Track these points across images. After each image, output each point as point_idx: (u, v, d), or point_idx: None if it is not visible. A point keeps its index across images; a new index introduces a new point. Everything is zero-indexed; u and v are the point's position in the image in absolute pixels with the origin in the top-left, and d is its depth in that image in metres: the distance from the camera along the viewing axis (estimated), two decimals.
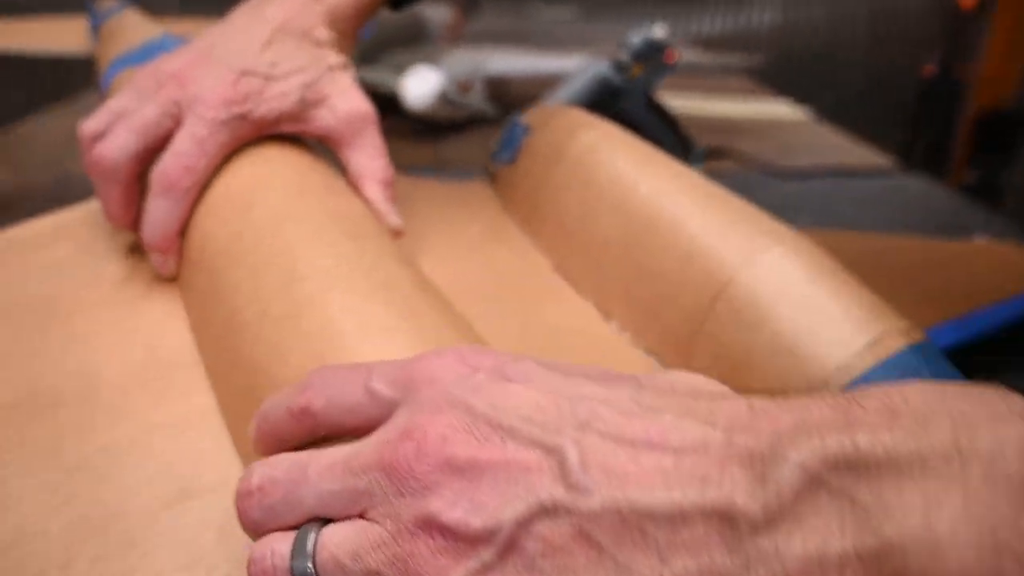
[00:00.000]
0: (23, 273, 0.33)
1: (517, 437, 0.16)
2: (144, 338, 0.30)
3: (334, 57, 0.36)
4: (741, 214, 0.34)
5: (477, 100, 0.88)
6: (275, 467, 0.18)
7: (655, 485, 0.15)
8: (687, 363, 0.32)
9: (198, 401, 0.27)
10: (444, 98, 0.85)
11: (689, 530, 0.15)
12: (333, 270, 0.27)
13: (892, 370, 0.27)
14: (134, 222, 0.33)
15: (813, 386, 0.28)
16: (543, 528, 0.15)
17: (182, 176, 0.31)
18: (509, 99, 1.00)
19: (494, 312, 0.34)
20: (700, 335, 0.32)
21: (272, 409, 0.20)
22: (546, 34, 1.55)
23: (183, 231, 0.32)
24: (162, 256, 0.32)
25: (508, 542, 0.15)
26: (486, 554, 0.15)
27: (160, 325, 0.31)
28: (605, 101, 0.70)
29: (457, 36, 1.26)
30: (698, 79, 1.09)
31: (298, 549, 0.17)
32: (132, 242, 0.35)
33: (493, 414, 0.17)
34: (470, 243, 0.40)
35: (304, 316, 0.25)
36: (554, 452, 0.16)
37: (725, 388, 0.18)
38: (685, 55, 1.27)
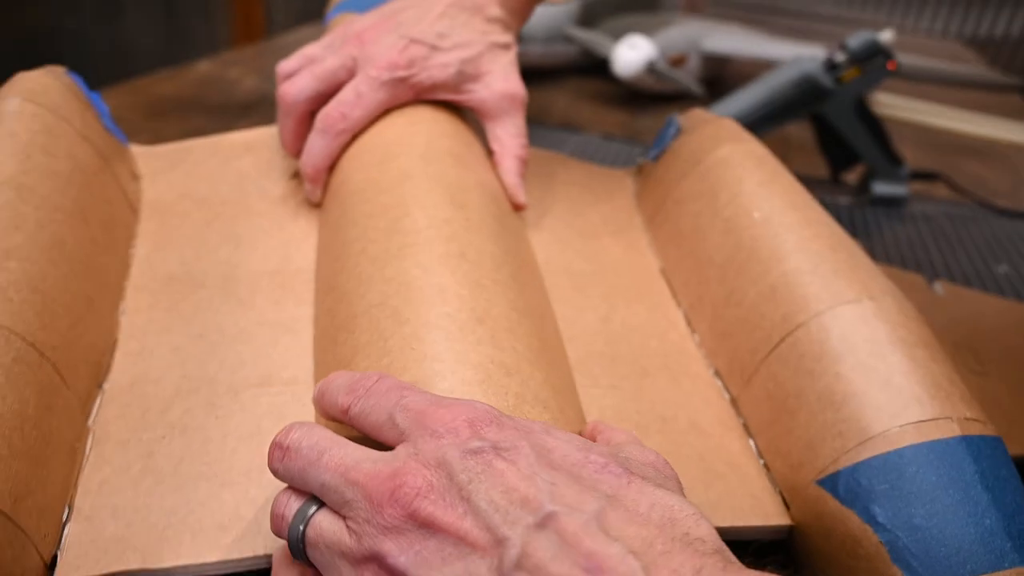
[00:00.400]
0: (214, 175, 0.41)
1: (478, 515, 0.18)
2: (282, 249, 0.36)
3: (500, 35, 0.40)
4: (843, 259, 0.33)
5: (686, 76, 0.88)
6: (307, 436, 0.22)
7: None
8: (744, 393, 0.33)
9: (304, 311, 0.33)
10: (651, 69, 0.86)
11: None
12: (424, 231, 0.31)
13: (932, 454, 0.27)
14: (299, 152, 0.39)
15: (847, 448, 0.28)
16: None
17: (337, 121, 0.37)
18: (724, 79, 0.99)
19: (581, 299, 0.37)
20: (761, 370, 0.33)
21: (329, 389, 0.25)
22: (799, 14, 1.47)
23: (331, 167, 0.38)
24: (312, 185, 0.38)
25: None
26: None
27: (297, 242, 0.37)
28: (806, 101, 0.68)
29: (696, 6, 1.24)
30: (954, 90, 1.00)
31: (299, 516, 0.21)
32: (296, 169, 0.41)
33: (467, 487, 0.19)
34: (587, 228, 0.42)
35: (388, 264, 0.30)
36: (500, 543, 0.18)
37: (704, 527, 0.19)
38: (958, 59, 1.16)
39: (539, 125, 0.83)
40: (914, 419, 0.28)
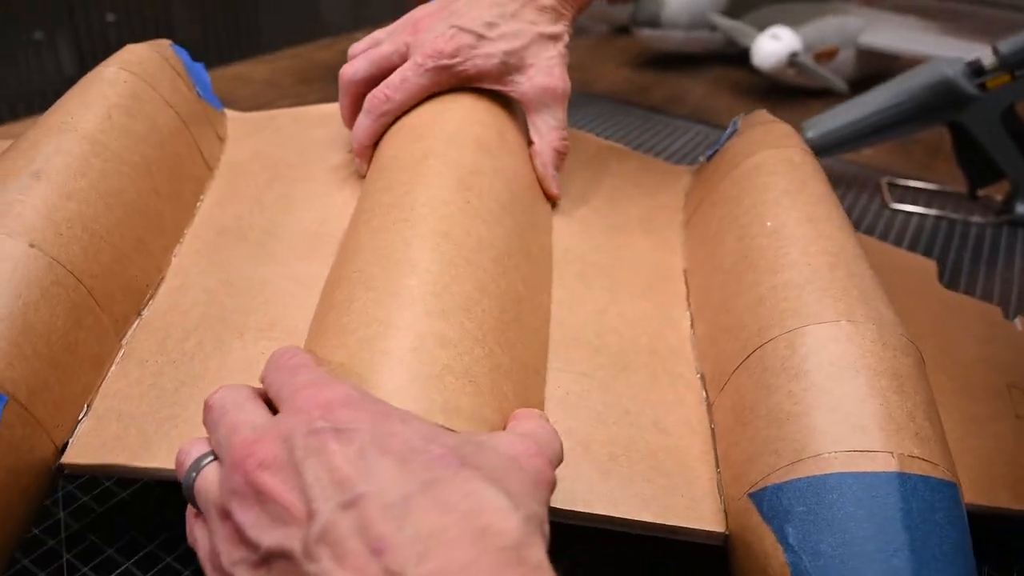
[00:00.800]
0: (288, 141, 0.46)
1: (303, 490, 0.21)
2: (324, 214, 0.41)
3: (550, 26, 0.42)
4: (839, 277, 0.33)
5: (830, 71, 0.84)
6: (228, 396, 0.25)
7: None
8: (718, 399, 0.34)
9: (325, 270, 0.38)
10: (793, 62, 0.84)
11: None
12: (419, 208, 0.34)
13: (858, 484, 0.27)
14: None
15: (779, 466, 0.28)
16: (280, 565, 0.21)
17: (381, 102, 0.41)
18: (891, 76, 0.93)
19: (585, 289, 0.39)
20: (732, 379, 0.33)
21: (271, 358, 0.28)
22: (1014, 5, 1.33)
23: (375, 145, 0.42)
24: (359, 159, 0.42)
25: (262, 559, 0.21)
26: (250, 557, 0.21)
27: (339, 208, 0.41)
28: (942, 107, 0.63)
29: None
30: None
31: (194, 465, 0.25)
32: None
33: (302, 463, 0.21)
34: (620, 222, 0.44)
35: (379, 236, 0.34)
36: (312, 516, 0.20)
37: (512, 521, 0.20)
38: None
39: (663, 114, 0.84)
40: (849, 447, 0.28)
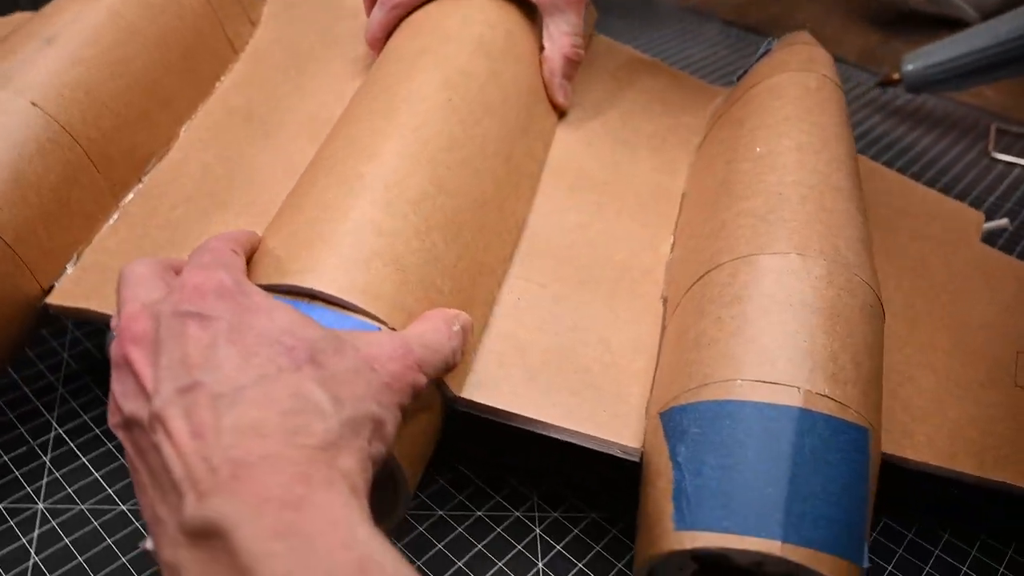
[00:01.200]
0: (315, 29, 0.49)
1: (156, 368, 0.23)
2: (330, 102, 0.43)
3: None
4: (807, 211, 0.33)
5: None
6: (131, 271, 0.27)
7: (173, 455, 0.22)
8: (669, 323, 0.35)
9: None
10: None
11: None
12: (397, 103, 0.36)
13: (753, 413, 0.27)
14: None
15: (687, 388, 0.29)
16: (136, 430, 0.23)
17: None
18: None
19: (569, 200, 0.40)
20: (681, 304, 0.34)
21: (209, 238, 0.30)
22: None
23: (387, 37, 0.44)
24: (371, 51, 0.44)
25: (125, 423, 0.24)
26: (119, 420, 0.24)
27: (345, 98, 0.43)
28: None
29: None
30: None
31: (110, 332, 0.27)
32: None
33: (162, 343, 0.24)
34: (629, 137, 0.44)
35: (354, 125, 0.36)
36: (155, 394, 0.23)
37: (330, 422, 0.23)
38: None
39: (757, 34, 0.80)
40: (755, 377, 0.28)
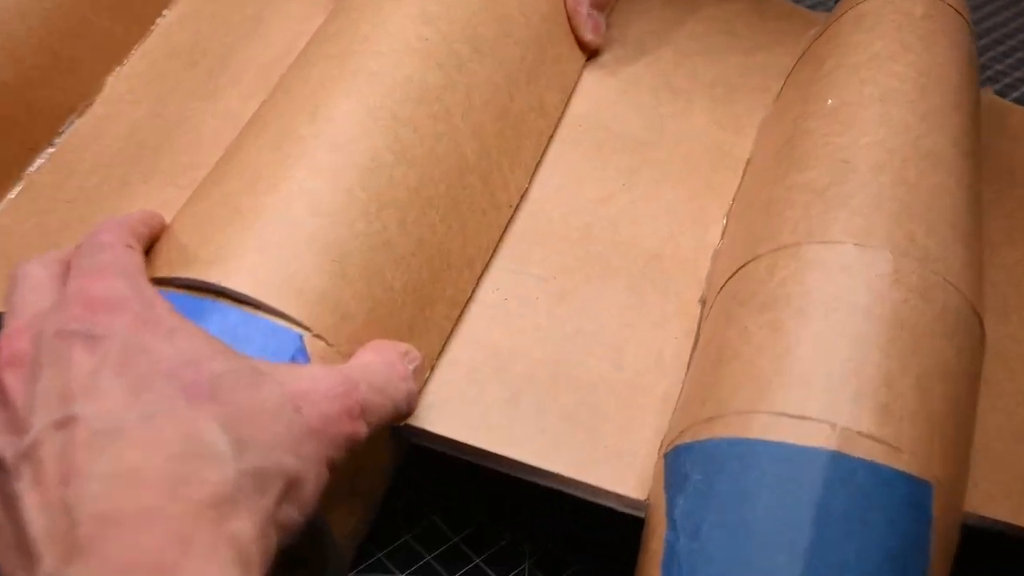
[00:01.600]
0: None
1: (30, 396, 0.25)
2: (287, 44, 0.45)
3: None
4: (882, 183, 0.33)
5: None
6: (23, 272, 0.30)
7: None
8: (702, 329, 0.35)
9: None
10: None
11: None
12: (357, 42, 0.38)
13: (769, 456, 0.28)
14: None
15: (697, 420, 0.30)
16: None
17: None
18: None
19: (592, 166, 0.41)
20: (714, 304, 0.34)
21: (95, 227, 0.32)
22: None
23: None
24: None
25: None
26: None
27: (304, 40, 0.45)
28: None
29: None
30: None
31: None
32: None
33: (41, 369, 0.25)
34: (682, 84, 0.44)
35: (300, 73, 0.38)
36: (26, 430, 0.24)
37: (227, 470, 0.24)
38: None
39: None
40: (778, 408, 0.28)
